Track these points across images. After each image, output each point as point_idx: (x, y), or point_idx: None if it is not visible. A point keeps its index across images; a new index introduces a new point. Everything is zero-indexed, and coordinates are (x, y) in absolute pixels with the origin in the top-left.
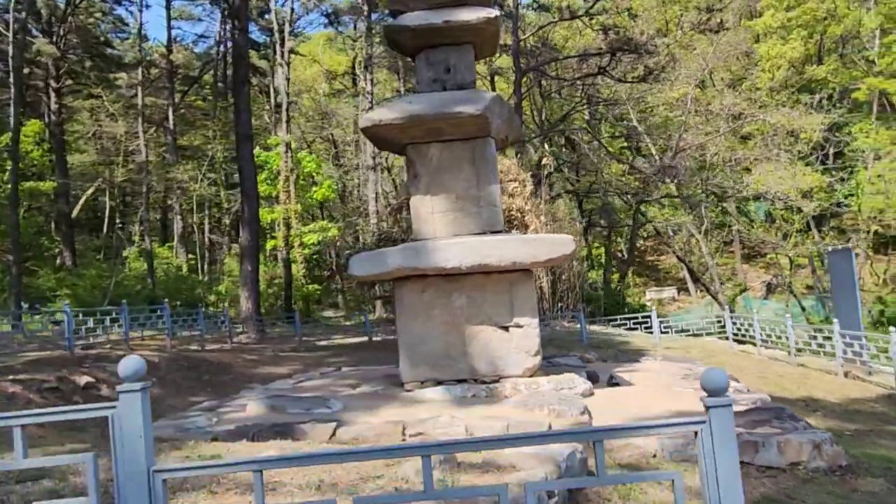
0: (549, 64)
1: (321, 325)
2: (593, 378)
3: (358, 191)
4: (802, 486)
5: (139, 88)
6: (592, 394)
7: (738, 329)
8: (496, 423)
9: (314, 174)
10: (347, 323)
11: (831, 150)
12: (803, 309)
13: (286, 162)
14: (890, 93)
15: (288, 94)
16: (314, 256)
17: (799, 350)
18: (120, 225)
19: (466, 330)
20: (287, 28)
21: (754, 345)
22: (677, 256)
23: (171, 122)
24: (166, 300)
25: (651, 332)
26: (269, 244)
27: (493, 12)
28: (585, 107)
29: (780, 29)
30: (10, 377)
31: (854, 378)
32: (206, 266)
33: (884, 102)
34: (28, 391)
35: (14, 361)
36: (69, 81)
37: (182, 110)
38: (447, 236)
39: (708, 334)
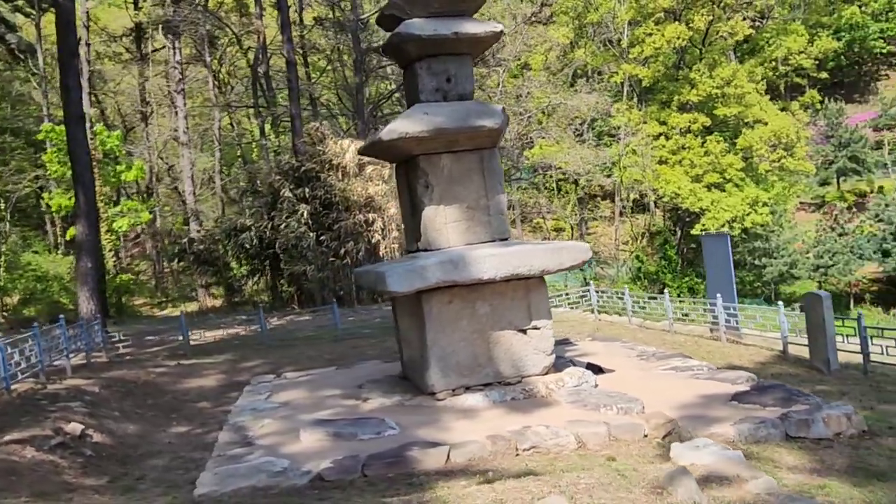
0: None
1: (197, 321)
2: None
3: (155, 168)
4: (857, 452)
5: None
6: (598, 385)
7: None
8: (598, 429)
9: (115, 151)
10: (173, 313)
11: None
12: (582, 270)
13: (92, 139)
14: (640, 77)
15: (89, 61)
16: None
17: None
18: None
19: (490, 336)
20: None
21: (611, 315)
22: None
23: None
24: (62, 316)
25: None
26: (70, 233)
27: (499, 27)
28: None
29: (551, 15)
30: (8, 438)
31: (734, 342)
32: None
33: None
34: (41, 452)
35: None
36: None
37: None
38: (460, 245)
39: (577, 307)
